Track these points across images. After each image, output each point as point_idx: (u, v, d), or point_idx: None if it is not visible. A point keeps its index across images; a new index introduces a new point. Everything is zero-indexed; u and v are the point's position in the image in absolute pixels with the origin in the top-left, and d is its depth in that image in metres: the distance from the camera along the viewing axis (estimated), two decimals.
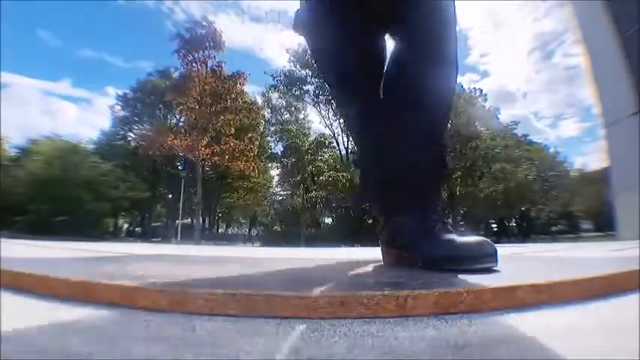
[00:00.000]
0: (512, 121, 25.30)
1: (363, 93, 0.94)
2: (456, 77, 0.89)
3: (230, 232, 30.66)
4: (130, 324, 0.38)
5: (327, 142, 27.34)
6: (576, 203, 24.24)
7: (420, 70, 0.84)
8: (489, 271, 0.62)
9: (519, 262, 0.90)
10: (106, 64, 39.02)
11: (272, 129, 25.27)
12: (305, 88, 25.22)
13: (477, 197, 21.62)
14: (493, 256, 0.64)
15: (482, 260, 0.64)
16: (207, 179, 21.99)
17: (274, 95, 24.07)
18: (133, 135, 26.51)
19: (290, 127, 25.07)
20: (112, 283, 0.47)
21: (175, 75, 20.15)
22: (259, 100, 23.29)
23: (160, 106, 25.61)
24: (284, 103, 24.64)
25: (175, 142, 18.69)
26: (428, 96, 0.82)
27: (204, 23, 19.53)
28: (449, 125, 0.91)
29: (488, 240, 0.67)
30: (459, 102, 20.57)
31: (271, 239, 24.05)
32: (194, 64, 19.28)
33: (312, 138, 26.88)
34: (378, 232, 0.89)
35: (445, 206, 21.83)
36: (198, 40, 19.21)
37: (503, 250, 1.76)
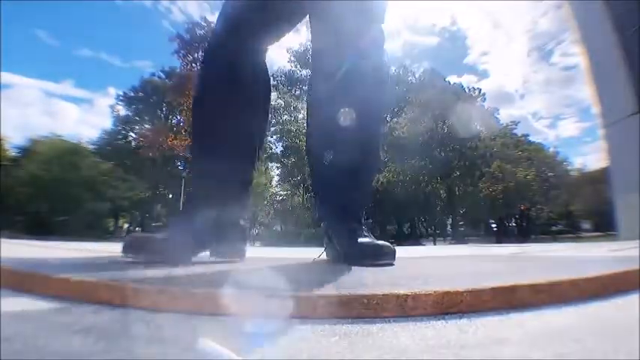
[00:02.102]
0: (511, 121, 25.32)
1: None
2: (386, 83, 0.96)
3: None
4: (130, 324, 0.38)
5: None
6: (576, 203, 24.22)
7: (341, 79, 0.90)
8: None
9: (519, 262, 0.90)
10: (107, 64, 39.03)
11: (272, 129, 25.26)
12: (305, 88, 25.19)
13: (477, 197, 21.61)
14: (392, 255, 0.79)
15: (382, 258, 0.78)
16: None
17: (273, 95, 24.04)
18: (133, 135, 26.51)
19: (290, 127, 25.05)
20: (112, 283, 0.47)
21: (177, 75, 20.18)
22: None
23: (162, 106, 25.59)
24: (283, 104, 24.63)
25: (175, 142, 18.70)
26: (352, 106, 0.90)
27: (203, 24, 19.53)
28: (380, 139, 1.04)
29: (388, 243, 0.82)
30: (458, 102, 20.57)
31: (271, 239, 24.03)
32: (194, 65, 19.28)
33: None
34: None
35: (445, 206, 21.92)
36: (197, 40, 19.21)
37: (503, 250, 1.76)
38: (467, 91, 23.12)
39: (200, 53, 19.03)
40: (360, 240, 0.82)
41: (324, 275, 0.64)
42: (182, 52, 19.12)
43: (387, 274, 0.61)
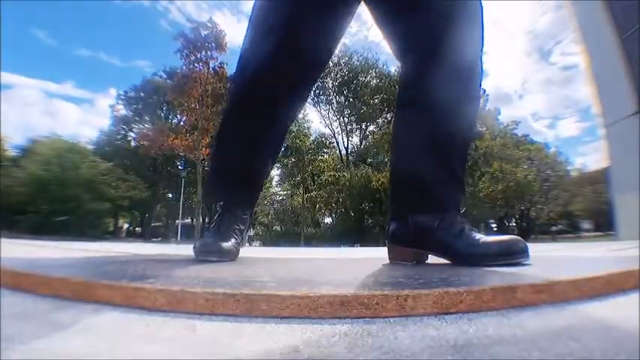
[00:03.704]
0: (512, 121, 25.35)
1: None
2: (477, 86, 0.87)
3: None
4: (130, 324, 0.38)
5: (327, 142, 27.34)
6: (576, 203, 24.23)
7: (437, 79, 0.83)
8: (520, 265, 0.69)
9: None
10: (107, 64, 39.07)
11: None
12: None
13: (477, 197, 21.62)
14: (525, 252, 0.72)
15: (515, 256, 0.71)
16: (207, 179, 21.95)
17: None
18: (133, 134, 26.52)
19: (290, 127, 25.02)
20: (112, 283, 0.47)
21: (179, 75, 20.13)
22: None
23: (163, 106, 25.57)
24: None
25: (176, 142, 18.70)
26: (435, 104, 0.84)
27: (208, 24, 19.52)
28: (474, 127, 0.94)
29: (519, 238, 0.74)
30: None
31: (271, 239, 24.04)
32: (196, 65, 19.26)
33: (312, 138, 26.88)
34: (394, 229, 0.90)
35: None
36: (201, 41, 19.19)
37: None
38: None
39: (203, 53, 19.00)
40: (479, 236, 0.76)
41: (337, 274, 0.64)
42: (185, 51, 19.08)
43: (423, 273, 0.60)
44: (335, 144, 27.18)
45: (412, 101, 0.89)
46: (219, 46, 19.38)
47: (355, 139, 27.39)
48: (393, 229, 0.90)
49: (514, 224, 25.10)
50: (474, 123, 0.92)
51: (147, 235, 25.99)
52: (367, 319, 0.39)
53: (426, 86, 0.85)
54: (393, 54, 0.96)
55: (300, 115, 26.62)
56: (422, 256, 0.86)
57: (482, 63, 0.87)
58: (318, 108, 26.36)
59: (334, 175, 23.36)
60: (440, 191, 0.84)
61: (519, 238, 0.74)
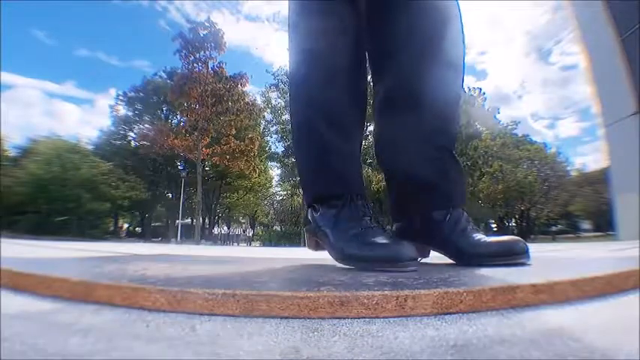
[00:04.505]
0: (512, 121, 25.36)
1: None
2: (462, 81, 0.89)
3: (230, 232, 30.63)
4: (130, 324, 0.38)
5: None
6: (576, 203, 24.23)
7: (420, 72, 0.84)
8: (521, 265, 0.70)
9: None
10: (107, 64, 39.07)
11: (272, 129, 25.23)
12: None
13: (477, 197, 21.62)
14: (525, 252, 0.72)
15: (515, 257, 0.71)
16: (207, 179, 21.98)
17: (273, 95, 24.00)
18: (133, 135, 26.51)
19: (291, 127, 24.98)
20: (112, 283, 0.47)
21: (178, 75, 20.12)
22: (259, 101, 23.24)
23: (163, 106, 25.56)
24: (283, 104, 24.60)
25: (176, 142, 18.70)
26: (429, 101, 0.84)
27: (206, 24, 19.53)
28: (458, 129, 0.94)
29: (520, 238, 0.75)
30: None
31: (271, 239, 24.03)
32: (195, 65, 19.26)
33: None
34: (397, 228, 0.91)
35: None
36: (200, 41, 19.20)
37: None
38: (467, 90, 23.10)
39: (202, 53, 19.00)
40: (481, 236, 0.76)
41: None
42: (184, 51, 19.09)
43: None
44: None
45: (396, 101, 0.89)
46: (218, 45, 19.39)
47: None
48: (397, 227, 0.91)
49: (514, 224, 25.09)
50: (458, 119, 0.92)
51: (147, 235, 25.99)
52: (367, 319, 0.39)
53: (411, 86, 0.86)
54: (374, 56, 0.95)
55: None
56: (422, 252, 0.86)
57: (464, 62, 0.89)
58: None
59: None
60: (441, 186, 0.85)
61: (519, 238, 0.75)
